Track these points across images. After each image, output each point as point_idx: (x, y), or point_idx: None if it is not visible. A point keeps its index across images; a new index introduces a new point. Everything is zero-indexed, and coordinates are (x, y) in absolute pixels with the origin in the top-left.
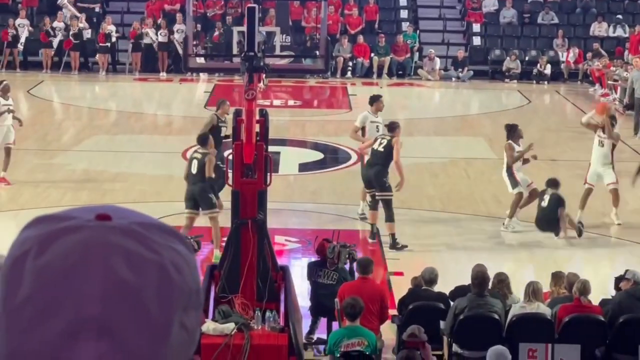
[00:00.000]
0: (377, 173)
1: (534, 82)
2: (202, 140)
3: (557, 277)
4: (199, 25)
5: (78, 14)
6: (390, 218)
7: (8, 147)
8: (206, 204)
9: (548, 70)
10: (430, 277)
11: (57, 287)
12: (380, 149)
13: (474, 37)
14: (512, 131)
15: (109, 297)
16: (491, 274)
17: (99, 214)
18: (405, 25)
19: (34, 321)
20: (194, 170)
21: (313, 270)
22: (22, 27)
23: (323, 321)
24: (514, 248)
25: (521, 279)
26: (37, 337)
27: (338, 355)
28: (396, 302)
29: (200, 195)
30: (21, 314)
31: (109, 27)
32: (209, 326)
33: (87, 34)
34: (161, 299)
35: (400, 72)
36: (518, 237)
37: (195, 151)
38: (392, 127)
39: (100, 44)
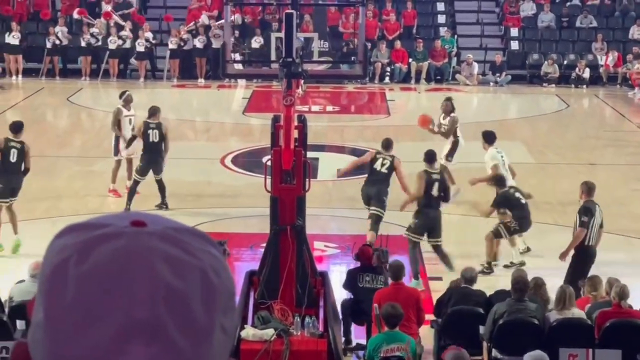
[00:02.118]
0: (378, 192)
1: (573, 86)
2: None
3: (593, 281)
4: (236, 32)
5: (122, 22)
6: (375, 230)
7: (130, 157)
8: None
9: (587, 74)
10: (470, 276)
11: (104, 293)
12: (384, 170)
13: (511, 42)
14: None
15: (156, 301)
16: (530, 278)
17: (134, 221)
18: (443, 30)
19: (81, 327)
20: None
21: (358, 276)
22: (62, 35)
23: (357, 325)
24: (554, 251)
25: (561, 283)
26: (87, 343)
27: None
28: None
29: None
30: (67, 321)
31: (146, 34)
32: (249, 332)
33: (126, 41)
34: (205, 303)
35: (438, 77)
36: (557, 241)
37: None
38: (389, 145)
39: (138, 51)
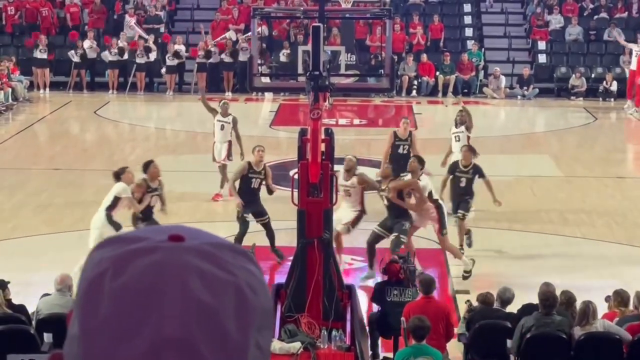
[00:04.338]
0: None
1: (600, 99)
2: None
3: (620, 295)
4: (264, 45)
5: (146, 36)
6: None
7: (223, 164)
8: None
9: (614, 87)
10: (507, 297)
11: (137, 309)
12: None
13: (539, 55)
14: None
15: (188, 318)
16: (558, 291)
17: (172, 235)
18: (470, 44)
19: (114, 342)
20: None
21: (386, 290)
22: (90, 48)
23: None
24: (582, 266)
25: (590, 297)
26: (119, 358)
27: None
28: (461, 320)
29: None
30: (101, 336)
31: (177, 47)
32: (275, 345)
33: (153, 55)
34: (238, 320)
35: (466, 91)
36: (585, 254)
37: None
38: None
39: (168, 64)
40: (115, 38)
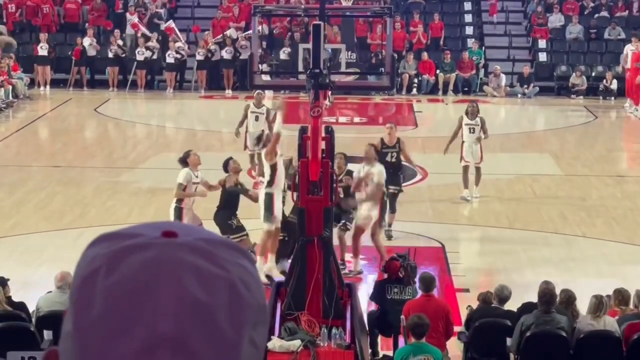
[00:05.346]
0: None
1: (601, 97)
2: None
3: (620, 294)
4: (264, 43)
5: (149, 34)
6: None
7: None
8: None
9: (615, 85)
10: (505, 295)
11: (130, 306)
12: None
13: (539, 53)
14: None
15: (182, 315)
16: (558, 290)
17: (165, 231)
18: (470, 42)
19: (107, 340)
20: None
21: (386, 288)
22: (90, 45)
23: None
24: (582, 264)
25: (589, 296)
26: (113, 356)
27: None
28: (462, 318)
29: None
30: (94, 333)
31: (178, 44)
32: (275, 343)
33: (155, 53)
34: (232, 317)
35: (466, 89)
36: (586, 253)
37: None
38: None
39: (168, 62)
40: (113, 36)
